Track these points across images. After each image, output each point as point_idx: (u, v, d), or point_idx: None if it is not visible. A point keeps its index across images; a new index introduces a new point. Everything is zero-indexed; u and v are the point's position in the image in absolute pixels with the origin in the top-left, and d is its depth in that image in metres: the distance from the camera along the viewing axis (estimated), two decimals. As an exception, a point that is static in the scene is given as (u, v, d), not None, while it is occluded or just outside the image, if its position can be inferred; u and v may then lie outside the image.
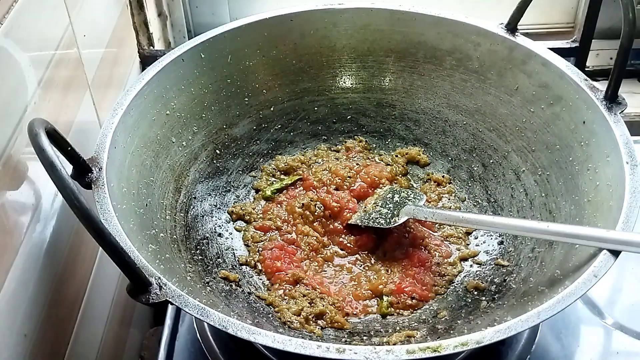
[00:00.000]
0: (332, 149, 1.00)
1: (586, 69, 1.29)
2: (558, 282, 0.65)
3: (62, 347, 0.76)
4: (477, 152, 0.94)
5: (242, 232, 0.88)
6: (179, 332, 0.85)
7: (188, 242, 0.81)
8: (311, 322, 0.75)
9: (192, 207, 0.86)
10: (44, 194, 0.73)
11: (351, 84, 1.00)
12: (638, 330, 0.84)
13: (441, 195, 0.93)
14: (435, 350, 0.56)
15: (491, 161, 0.92)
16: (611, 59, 1.36)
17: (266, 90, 0.96)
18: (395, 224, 0.84)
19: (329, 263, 0.85)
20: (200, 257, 0.81)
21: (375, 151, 1.00)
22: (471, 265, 0.84)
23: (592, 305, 0.87)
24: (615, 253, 0.63)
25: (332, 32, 0.96)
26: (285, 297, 0.79)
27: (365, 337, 0.74)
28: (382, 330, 0.76)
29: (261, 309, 0.77)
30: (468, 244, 0.87)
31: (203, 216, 0.87)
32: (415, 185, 0.96)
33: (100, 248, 0.54)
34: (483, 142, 0.93)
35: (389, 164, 0.96)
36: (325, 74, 0.99)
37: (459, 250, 0.86)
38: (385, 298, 0.79)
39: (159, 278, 0.60)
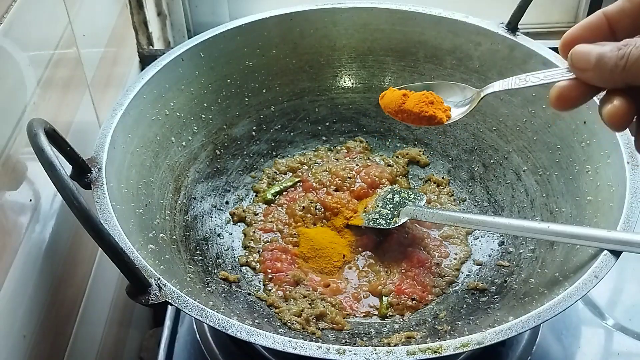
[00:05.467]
0: (332, 149, 0.99)
1: (587, 69, 1.29)
2: (559, 283, 0.65)
3: (61, 348, 0.75)
4: (478, 152, 0.94)
5: (243, 234, 0.88)
6: (178, 333, 0.85)
7: (188, 242, 0.81)
8: (311, 323, 0.75)
9: (191, 207, 0.86)
10: (43, 194, 0.72)
11: (351, 83, 1.00)
12: (639, 332, 0.83)
13: (441, 195, 0.93)
14: (435, 352, 0.55)
15: (492, 161, 0.92)
16: (612, 58, 1.35)
17: (266, 90, 0.96)
18: (396, 225, 0.84)
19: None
20: (200, 257, 0.81)
21: (376, 151, 0.99)
22: (471, 266, 0.84)
23: (593, 306, 0.87)
24: (616, 253, 0.63)
25: (332, 32, 0.96)
26: (286, 298, 0.79)
27: (365, 338, 0.74)
28: (382, 331, 0.76)
29: (261, 309, 0.77)
30: (468, 245, 0.87)
31: (203, 216, 0.87)
32: (415, 185, 0.96)
33: (100, 249, 0.54)
34: (484, 142, 0.93)
35: (389, 165, 0.96)
36: (325, 74, 0.99)
37: (459, 250, 0.85)
38: (385, 299, 0.79)
39: (159, 279, 0.59)
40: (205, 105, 0.91)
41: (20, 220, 0.68)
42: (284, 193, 0.93)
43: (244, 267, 0.84)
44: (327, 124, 1.00)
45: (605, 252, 0.63)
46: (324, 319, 0.76)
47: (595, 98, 0.76)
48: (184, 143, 0.87)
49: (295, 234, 0.86)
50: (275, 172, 0.96)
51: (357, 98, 1.00)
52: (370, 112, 1.00)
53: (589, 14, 1.21)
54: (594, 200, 0.73)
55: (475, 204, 0.92)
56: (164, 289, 0.59)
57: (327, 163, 0.96)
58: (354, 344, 0.72)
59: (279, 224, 0.88)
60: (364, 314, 0.79)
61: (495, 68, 0.91)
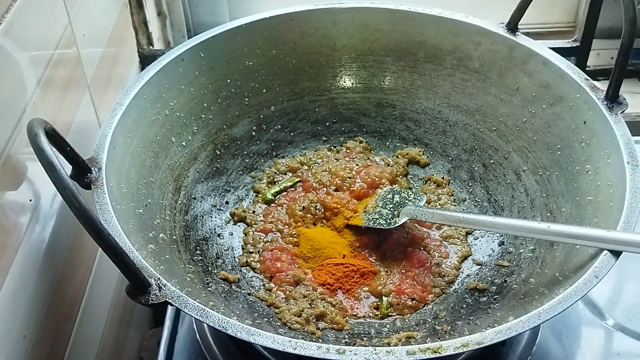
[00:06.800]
0: (332, 149, 0.99)
1: (587, 69, 1.29)
2: (559, 283, 0.65)
3: (61, 348, 0.75)
4: (478, 152, 0.93)
5: (243, 234, 0.88)
6: (178, 333, 0.85)
7: (188, 242, 0.81)
8: (311, 323, 0.75)
9: (191, 207, 0.86)
10: (43, 194, 0.72)
11: (351, 83, 1.00)
12: (639, 331, 0.83)
13: (441, 195, 0.93)
14: (435, 352, 0.55)
15: (492, 161, 0.92)
16: (612, 58, 1.35)
17: (266, 90, 0.96)
18: (396, 225, 0.84)
19: (329, 263, 0.85)
20: (200, 257, 0.81)
21: (376, 151, 0.99)
22: (471, 266, 0.84)
23: (593, 306, 0.87)
24: (616, 253, 0.63)
25: (332, 32, 0.96)
26: (286, 298, 0.79)
27: (365, 338, 0.74)
28: (382, 331, 0.76)
29: (261, 309, 0.77)
30: (468, 245, 0.87)
31: (203, 216, 0.87)
32: (415, 185, 0.96)
33: (100, 249, 0.54)
34: (484, 142, 0.93)
35: (389, 165, 0.96)
36: (325, 74, 0.99)
37: (459, 250, 0.85)
38: (385, 299, 0.79)
39: (159, 279, 0.59)
40: (205, 105, 0.91)
41: (20, 220, 0.68)
42: (284, 193, 0.93)
43: (244, 267, 0.84)
44: (327, 124, 1.00)
45: (605, 252, 0.63)
46: (324, 319, 0.76)
47: (596, 99, 0.77)
48: (184, 143, 0.87)
49: (295, 234, 0.86)
50: (275, 172, 0.96)
51: (357, 98, 1.00)
52: (370, 112, 1.00)
53: (589, 14, 1.22)
54: (594, 200, 0.73)
55: (475, 204, 0.92)
56: (164, 289, 0.59)
57: (327, 163, 0.95)
58: (354, 344, 0.72)
59: (279, 224, 0.88)
60: (364, 314, 0.79)
61: (495, 68, 0.91)
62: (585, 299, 0.87)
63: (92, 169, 0.68)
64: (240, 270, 0.83)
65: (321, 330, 0.74)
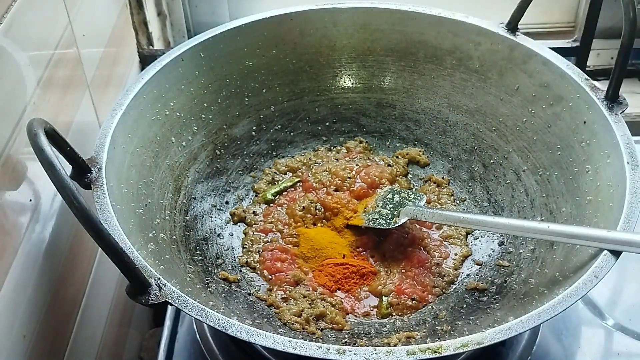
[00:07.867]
0: (332, 149, 0.99)
1: (587, 69, 1.29)
2: (559, 283, 0.65)
3: (61, 348, 0.75)
4: (478, 152, 0.93)
5: (243, 234, 0.88)
6: (178, 333, 0.85)
7: (188, 242, 0.81)
8: (311, 323, 0.75)
9: (191, 207, 0.86)
10: (43, 194, 0.72)
11: (351, 83, 1.00)
12: (639, 331, 0.83)
13: (441, 195, 0.93)
14: (435, 352, 0.56)
15: (492, 161, 0.92)
16: (612, 58, 1.35)
17: (266, 90, 0.96)
18: (396, 225, 0.84)
19: (329, 263, 0.85)
20: (200, 257, 0.81)
21: (376, 151, 0.99)
22: (471, 266, 0.84)
23: (593, 306, 0.87)
24: (616, 253, 0.63)
25: (332, 32, 0.96)
26: (286, 298, 0.79)
27: (365, 338, 0.74)
28: (382, 331, 0.76)
29: (261, 309, 0.77)
30: (468, 245, 0.87)
31: (203, 216, 0.87)
32: (415, 185, 0.96)
33: (100, 249, 0.54)
34: (484, 142, 0.93)
35: (389, 165, 0.96)
36: (325, 74, 0.99)
37: (459, 251, 0.85)
38: (385, 299, 0.79)
39: (159, 279, 0.60)
40: (205, 105, 0.91)
41: (20, 220, 0.68)
42: (284, 193, 0.93)
43: (244, 267, 0.84)
44: (327, 124, 1.00)
45: (605, 252, 0.63)
46: (324, 319, 0.76)
47: (596, 99, 0.77)
48: (184, 143, 0.87)
49: (295, 234, 0.86)
50: (275, 172, 0.96)
51: (357, 98, 1.00)
52: (370, 112, 1.00)
53: (589, 14, 1.22)
54: (594, 200, 0.73)
55: (475, 204, 0.92)
56: (164, 289, 0.59)
57: (327, 163, 0.96)
58: (354, 344, 0.72)
59: (279, 224, 0.88)
60: (364, 314, 0.79)
61: (495, 68, 0.91)
62: (585, 299, 0.87)
63: (92, 169, 0.68)
64: (240, 270, 0.83)
65: (321, 330, 0.74)
